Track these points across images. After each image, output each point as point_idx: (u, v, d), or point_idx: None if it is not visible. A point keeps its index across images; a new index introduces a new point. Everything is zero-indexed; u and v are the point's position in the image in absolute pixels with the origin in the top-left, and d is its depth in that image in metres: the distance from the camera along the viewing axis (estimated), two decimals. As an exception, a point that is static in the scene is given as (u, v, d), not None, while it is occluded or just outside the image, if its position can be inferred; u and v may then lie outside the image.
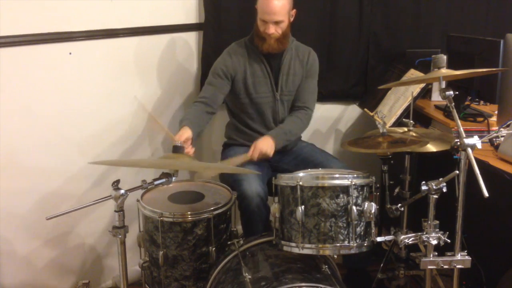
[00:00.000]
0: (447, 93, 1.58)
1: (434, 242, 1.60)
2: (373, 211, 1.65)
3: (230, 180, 2.21)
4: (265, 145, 2.21)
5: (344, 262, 2.36)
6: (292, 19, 2.31)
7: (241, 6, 2.74)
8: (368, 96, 2.91)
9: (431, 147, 1.91)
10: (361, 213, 1.65)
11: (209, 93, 2.32)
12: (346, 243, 1.64)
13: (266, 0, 2.19)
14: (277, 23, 2.23)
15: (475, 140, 1.49)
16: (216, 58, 2.42)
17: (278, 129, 2.37)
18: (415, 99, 2.36)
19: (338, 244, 1.63)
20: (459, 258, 1.58)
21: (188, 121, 2.16)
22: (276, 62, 2.38)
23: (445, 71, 1.65)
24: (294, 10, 2.31)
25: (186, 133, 2.05)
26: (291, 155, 2.46)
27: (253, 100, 2.38)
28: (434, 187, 1.58)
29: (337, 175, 1.68)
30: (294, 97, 2.45)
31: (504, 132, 2.03)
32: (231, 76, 2.33)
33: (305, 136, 2.57)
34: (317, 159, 2.38)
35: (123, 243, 1.57)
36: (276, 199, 1.77)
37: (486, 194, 1.37)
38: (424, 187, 1.60)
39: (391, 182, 2.04)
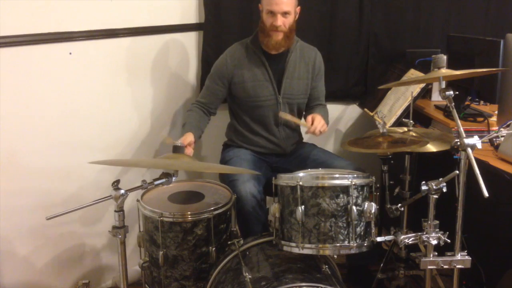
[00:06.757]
0: (447, 93, 1.58)
1: (434, 242, 1.60)
2: (373, 211, 1.65)
3: (226, 181, 2.21)
4: (322, 121, 2.24)
5: (346, 259, 2.36)
6: (297, 16, 2.29)
7: (241, 6, 2.74)
8: (368, 96, 2.91)
9: (431, 147, 1.91)
10: (361, 213, 1.65)
11: (206, 98, 2.42)
12: (346, 243, 1.63)
13: None
14: (285, 14, 2.20)
15: (475, 140, 1.49)
16: (216, 58, 2.42)
17: (322, 113, 2.37)
18: (415, 99, 2.36)
19: (338, 244, 1.63)
20: (459, 258, 1.58)
21: (190, 125, 2.29)
22: (279, 64, 2.35)
23: (445, 71, 1.65)
24: (299, 7, 2.29)
25: (189, 138, 2.17)
26: (292, 155, 2.46)
27: (253, 104, 2.36)
28: (434, 187, 1.58)
29: (337, 175, 1.68)
30: (309, 98, 2.46)
31: (504, 132, 2.03)
32: (227, 81, 2.35)
33: (305, 135, 2.57)
34: (320, 157, 2.36)
35: (123, 243, 1.58)
36: (276, 199, 1.77)
37: (486, 194, 1.37)
38: (424, 187, 1.60)
39: (391, 182, 2.04)
